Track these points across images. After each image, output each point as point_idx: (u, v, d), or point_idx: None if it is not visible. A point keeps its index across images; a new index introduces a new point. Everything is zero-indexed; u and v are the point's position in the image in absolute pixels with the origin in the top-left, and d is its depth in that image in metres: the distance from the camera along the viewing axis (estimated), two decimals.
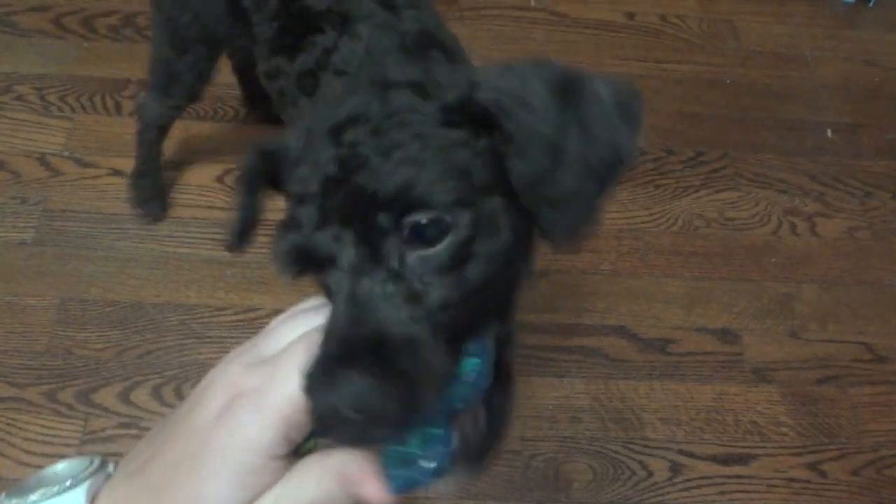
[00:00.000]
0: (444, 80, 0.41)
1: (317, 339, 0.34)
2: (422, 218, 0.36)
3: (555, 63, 0.42)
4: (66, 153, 1.26)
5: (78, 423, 1.01)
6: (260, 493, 0.32)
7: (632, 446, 1.05)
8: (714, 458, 1.05)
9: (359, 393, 0.32)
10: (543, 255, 1.20)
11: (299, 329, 0.36)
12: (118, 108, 1.31)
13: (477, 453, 0.41)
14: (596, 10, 1.54)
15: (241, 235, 0.49)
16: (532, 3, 1.55)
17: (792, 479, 1.04)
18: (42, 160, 1.25)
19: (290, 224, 0.40)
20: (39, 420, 1.01)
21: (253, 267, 1.15)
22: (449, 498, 0.99)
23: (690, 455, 1.05)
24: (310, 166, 0.40)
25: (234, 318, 1.11)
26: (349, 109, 0.41)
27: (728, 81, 1.46)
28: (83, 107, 1.31)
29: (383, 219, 0.36)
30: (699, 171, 1.33)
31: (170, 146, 1.27)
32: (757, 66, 1.49)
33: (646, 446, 1.05)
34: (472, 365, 0.37)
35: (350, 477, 0.32)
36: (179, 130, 1.29)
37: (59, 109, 1.31)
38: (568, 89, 0.40)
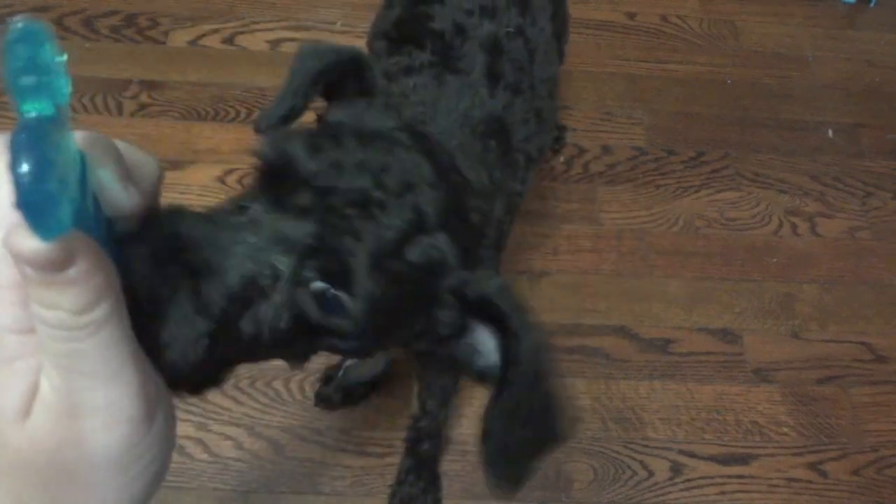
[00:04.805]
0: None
1: None
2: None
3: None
4: None
5: None
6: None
7: (633, 446, 1.05)
8: (715, 458, 1.05)
9: None
10: (544, 256, 1.20)
11: None
12: (119, 108, 1.31)
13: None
14: (597, 11, 1.54)
15: (281, 121, 0.46)
16: None
17: (792, 479, 1.04)
18: None
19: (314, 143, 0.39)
20: None
21: None
22: (450, 498, 0.99)
23: (691, 455, 1.05)
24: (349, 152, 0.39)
25: None
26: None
27: (729, 81, 1.46)
28: (84, 107, 1.31)
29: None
30: (700, 171, 1.33)
31: (170, 146, 1.27)
32: (758, 67, 1.49)
33: (646, 446, 1.05)
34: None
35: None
36: (179, 130, 1.29)
37: None
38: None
